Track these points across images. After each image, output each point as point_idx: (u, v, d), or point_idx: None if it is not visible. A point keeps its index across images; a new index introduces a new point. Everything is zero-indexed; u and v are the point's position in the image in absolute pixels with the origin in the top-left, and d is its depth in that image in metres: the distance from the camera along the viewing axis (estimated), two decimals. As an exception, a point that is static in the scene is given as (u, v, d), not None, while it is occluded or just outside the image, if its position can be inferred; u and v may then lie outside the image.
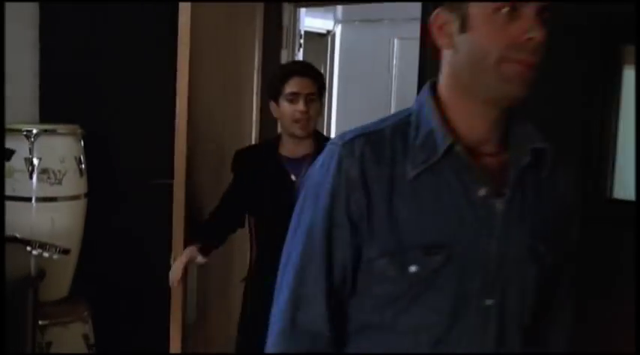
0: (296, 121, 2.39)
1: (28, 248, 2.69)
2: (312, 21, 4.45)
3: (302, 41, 3.79)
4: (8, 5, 3.36)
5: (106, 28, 3.46)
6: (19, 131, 3.09)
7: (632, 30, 2.19)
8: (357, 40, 4.69)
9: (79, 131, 3.27)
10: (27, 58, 3.47)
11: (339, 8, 4.67)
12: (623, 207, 2.14)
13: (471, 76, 1.09)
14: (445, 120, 1.13)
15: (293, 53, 3.66)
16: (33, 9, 3.48)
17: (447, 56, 1.13)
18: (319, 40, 4.74)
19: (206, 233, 2.67)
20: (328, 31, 4.74)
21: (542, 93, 2.39)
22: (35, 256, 2.71)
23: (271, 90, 2.48)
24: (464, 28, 1.09)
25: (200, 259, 2.63)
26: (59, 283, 3.19)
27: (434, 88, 1.15)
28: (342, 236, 1.10)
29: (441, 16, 1.11)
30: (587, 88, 2.15)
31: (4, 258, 2.48)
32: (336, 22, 4.69)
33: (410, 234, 1.09)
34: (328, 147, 1.15)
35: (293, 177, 2.46)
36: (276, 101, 2.45)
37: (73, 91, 3.51)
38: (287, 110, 2.41)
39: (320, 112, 2.45)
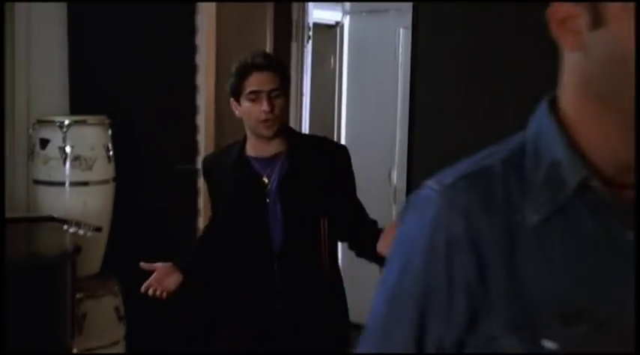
0: (261, 122, 2.19)
1: (65, 226, 2.93)
2: (321, 13, 4.62)
3: (311, 33, 4.02)
4: (37, 4, 3.54)
5: (130, 24, 3.62)
6: (53, 122, 3.29)
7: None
8: (365, 31, 4.83)
9: (107, 121, 3.45)
10: (57, 54, 3.61)
11: (347, 0, 4.82)
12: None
13: (612, 86, 0.80)
14: (574, 145, 0.85)
15: (302, 45, 3.90)
16: (61, 8, 3.61)
17: (572, 59, 0.84)
18: (328, 31, 4.86)
19: (191, 259, 2.47)
20: (337, 22, 4.85)
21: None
22: (71, 233, 2.94)
23: (231, 89, 2.24)
24: (598, 22, 0.80)
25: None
26: (92, 260, 3.39)
27: (553, 105, 0.87)
28: (441, 303, 0.85)
29: (562, 7, 0.82)
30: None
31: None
32: (344, 13, 4.81)
33: (540, 298, 0.83)
34: (424, 193, 0.88)
35: (265, 180, 2.27)
36: (237, 100, 2.24)
37: (101, 84, 3.66)
38: (250, 110, 2.19)
39: (286, 107, 2.27)
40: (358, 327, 1.20)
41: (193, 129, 3.74)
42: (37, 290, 2.69)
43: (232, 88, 2.22)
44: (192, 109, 3.70)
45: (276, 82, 2.19)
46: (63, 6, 3.60)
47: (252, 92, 2.16)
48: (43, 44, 3.56)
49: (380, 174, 4.51)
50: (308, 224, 2.28)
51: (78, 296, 3.17)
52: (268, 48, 3.79)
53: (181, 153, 3.71)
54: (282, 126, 2.24)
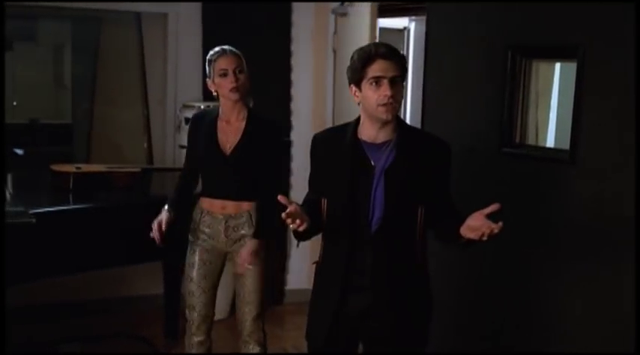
0: (381, 106, 2.24)
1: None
2: (391, 20, 5.46)
3: (376, 40, 5.03)
4: (183, 21, 4.61)
5: (243, 37, 4.54)
6: (193, 106, 4.44)
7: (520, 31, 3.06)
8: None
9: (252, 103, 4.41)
10: (195, 58, 4.60)
11: (412, 10, 5.69)
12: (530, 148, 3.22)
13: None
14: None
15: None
16: (198, 25, 4.70)
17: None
18: (398, 34, 5.71)
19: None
20: (404, 27, 5.72)
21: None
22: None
23: (353, 74, 2.29)
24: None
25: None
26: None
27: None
28: None
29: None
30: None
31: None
32: (410, 20, 5.69)
33: None
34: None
35: (372, 163, 2.32)
36: (358, 85, 2.29)
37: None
38: (371, 94, 2.25)
39: (403, 96, 2.32)
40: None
41: (288, 112, 4.95)
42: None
43: (354, 74, 2.29)
44: (288, 98, 4.92)
45: (397, 70, 2.25)
46: (200, 23, 4.72)
47: (374, 77, 2.24)
48: (186, 51, 4.70)
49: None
50: (405, 210, 2.33)
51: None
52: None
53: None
54: (397, 112, 2.31)
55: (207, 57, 3.09)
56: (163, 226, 3.10)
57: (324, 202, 2.37)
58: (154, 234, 3.08)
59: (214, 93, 3.11)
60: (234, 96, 3.01)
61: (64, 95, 6.79)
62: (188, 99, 4.62)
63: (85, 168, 3.92)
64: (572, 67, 3.03)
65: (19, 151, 6.04)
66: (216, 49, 3.11)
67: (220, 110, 3.16)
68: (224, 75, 2.98)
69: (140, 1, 4.65)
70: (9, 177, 4.11)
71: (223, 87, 3.02)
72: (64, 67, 6.70)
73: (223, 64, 2.99)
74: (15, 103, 6.83)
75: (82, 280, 4.18)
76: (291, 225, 2.20)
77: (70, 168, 3.82)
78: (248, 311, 3.18)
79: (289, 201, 2.21)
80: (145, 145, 4.93)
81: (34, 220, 3.14)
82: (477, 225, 2.19)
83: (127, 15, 4.92)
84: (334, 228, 2.38)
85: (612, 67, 2.80)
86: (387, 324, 2.37)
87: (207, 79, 3.08)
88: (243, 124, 3.12)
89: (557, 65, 3.56)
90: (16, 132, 6.34)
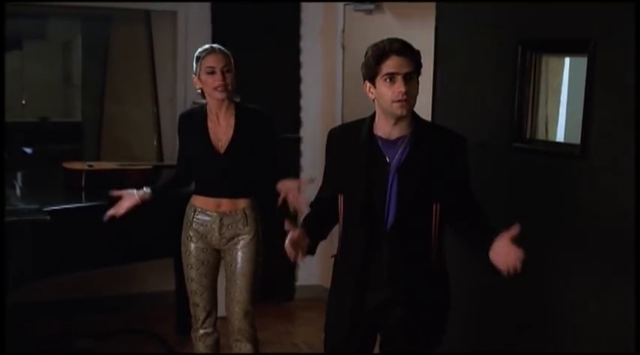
0: (396, 102, 2.24)
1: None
2: None
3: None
4: (192, 19, 4.65)
5: (252, 34, 4.68)
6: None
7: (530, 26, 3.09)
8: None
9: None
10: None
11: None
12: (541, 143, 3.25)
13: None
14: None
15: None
16: (208, 24, 4.71)
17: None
18: None
19: (310, 226, 2.39)
20: None
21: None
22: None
23: (367, 71, 2.28)
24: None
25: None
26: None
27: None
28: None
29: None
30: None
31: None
32: None
33: None
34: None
35: (387, 159, 2.32)
36: (372, 82, 2.28)
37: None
38: (385, 91, 2.24)
39: (418, 91, 2.28)
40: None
41: (298, 108, 4.97)
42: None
43: (368, 70, 2.28)
44: (297, 94, 4.95)
45: (412, 66, 2.24)
46: (209, 22, 4.74)
47: (388, 74, 2.23)
48: (196, 49, 4.53)
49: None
50: (420, 207, 2.33)
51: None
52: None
53: (289, 125, 4.88)
54: (412, 108, 2.31)
55: (196, 54, 3.09)
56: (134, 200, 3.10)
57: (340, 198, 2.40)
58: (118, 207, 3.07)
59: (198, 91, 3.13)
60: (220, 94, 3.03)
61: (73, 93, 6.84)
62: (197, 97, 4.57)
63: (97, 165, 3.96)
64: (582, 61, 3.04)
65: (29, 150, 6.09)
66: (206, 46, 3.13)
67: (208, 108, 3.16)
68: (211, 73, 3.00)
69: (149, 1, 4.67)
70: (19, 176, 4.16)
71: (209, 85, 3.04)
72: (73, 65, 6.76)
73: (211, 61, 3.01)
74: (24, 102, 6.89)
75: (95, 277, 4.21)
76: (290, 256, 2.25)
77: (82, 165, 3.86)
78: (238, 310, 3.18)
79: (294, 227, 2.27)
80: (155, 143, 4.96)
81: (48, 217, 3.17)
82: (500, 259, 2.20)
83: (136, 13, 4.94)
84: (351, 224, 2.39)
85: (623, 61, 2.81)
86: (404, 319, 2.37)
87: (193, 76, 3.08)
88: (232, 120, 3.12)
89: (567, 60, 3.57)
90: (25, 131, 6.38)
